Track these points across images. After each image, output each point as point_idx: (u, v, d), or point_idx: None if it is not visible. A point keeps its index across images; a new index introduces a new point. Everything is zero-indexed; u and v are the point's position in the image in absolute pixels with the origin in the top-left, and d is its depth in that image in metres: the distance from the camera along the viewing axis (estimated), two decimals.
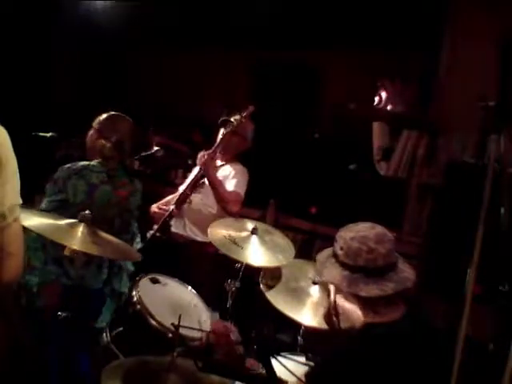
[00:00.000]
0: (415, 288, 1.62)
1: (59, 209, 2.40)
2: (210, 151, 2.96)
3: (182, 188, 3.33)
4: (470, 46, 3.66)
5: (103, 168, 2.58)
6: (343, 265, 1.61)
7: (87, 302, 2.48)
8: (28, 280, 2.36)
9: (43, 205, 2.44)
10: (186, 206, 3.07)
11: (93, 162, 2.59)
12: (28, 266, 2.19)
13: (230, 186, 3.02)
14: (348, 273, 1.59)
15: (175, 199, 3.10)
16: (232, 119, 2.96)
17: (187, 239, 3.07)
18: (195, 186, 3.04)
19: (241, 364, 1.76)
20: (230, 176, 3.05)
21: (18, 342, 1.25)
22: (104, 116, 2.70)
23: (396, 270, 1.61)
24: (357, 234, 1.61)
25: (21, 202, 1.28)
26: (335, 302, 1.76)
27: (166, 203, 3.24)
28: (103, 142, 2.61)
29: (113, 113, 2.73)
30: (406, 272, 1.64)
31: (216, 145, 2.97)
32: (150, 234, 3.05)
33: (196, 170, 3.19)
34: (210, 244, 2.75)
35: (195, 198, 3.09)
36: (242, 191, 3.08)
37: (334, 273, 1.62)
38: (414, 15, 4.00)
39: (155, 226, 3.07)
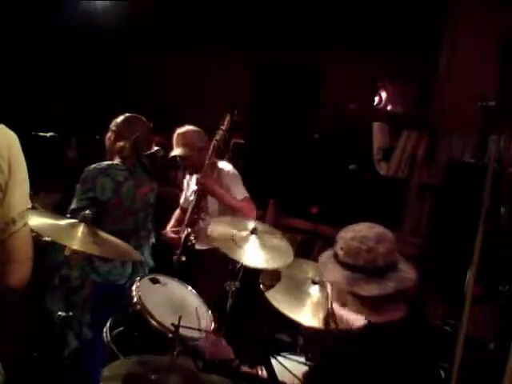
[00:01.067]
0: (416, 288, 1.62)
1: (89, 206, 2.48)
2: (203, 174, 2.92)
3: (182, 200, 3.32)
4: (470, 45, 3.66)
5: (124, 166, 2.69)
6: (344, 265, 1.61)
7: (113, 298, 2.53)
8: (68, 275, 2.46)
9: (73, 205, 2.53)
10: (200, 223, 3.06)
11: (115, 161, 2.69)
12: (69, 263, 2.25)
13: (236, 194, 3.00)
14: (349, 273, 1.59)
15: (186, 221, 3.06)
16: (216, 136, 2.94)
17: (212, 250, 3.04)
18: (199, 206, 3.03)
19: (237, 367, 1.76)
20: (225, 186, 3.01)
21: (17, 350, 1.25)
22: (121, 118, 2.80)
23: (397, 270, 1.61)
24: (357, 233, 1.62)
25: (30, 205, 1.28)
26: (332, 307, 1.77)
27: (175, 225, 3.24)
28: (122, 143, 2.71)
29: (128, 114, 2.81)
30: (407, 272, 1.64)
31: (206, 164, 2.93)
32: (175, 259, 3.02)
33: (193, 183, 3.16)
34: None
35: (205, 216, 3.07)
36: (245, 192, 3.06)
37: (334, 273, 1.63)
38: (414, 15, 4.00)
39: (177, 251, 3.05)
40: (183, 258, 2.97)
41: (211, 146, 2.91)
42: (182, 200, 3.36)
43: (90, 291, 2.59)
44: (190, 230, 2.98)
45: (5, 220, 1.20)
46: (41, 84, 5.29)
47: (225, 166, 3.12)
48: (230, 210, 2.96)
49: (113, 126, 2.78)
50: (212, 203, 3.06)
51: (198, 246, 3.04)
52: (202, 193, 2.99)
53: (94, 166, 2.62)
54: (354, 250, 1.59)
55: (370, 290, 1.55)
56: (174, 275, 2.43)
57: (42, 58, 5.40)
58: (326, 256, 1.73)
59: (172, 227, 3.25)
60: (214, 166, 3.04)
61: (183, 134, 3.09)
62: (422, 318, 1.73)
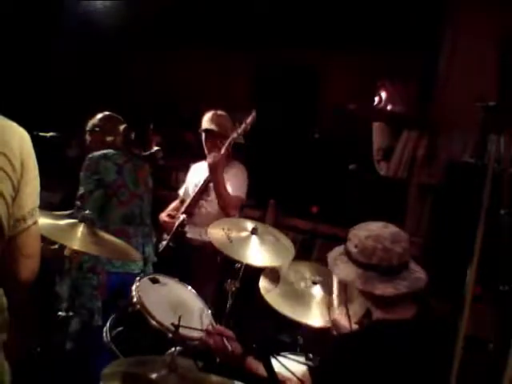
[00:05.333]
0: (426, 288, 1.62)
1: (97, 188, 2.60)
2: (222, 152, 2.95)
3: (182, 191, 3.32)
4: (470, 45, 3.66)
5: (121, 152, 2.79)
6: (357, 262, 1.60)
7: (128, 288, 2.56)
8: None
9: (81, 190, 2.61)
10: (196, 211, 3.08)
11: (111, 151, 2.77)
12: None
13: (233, 189, 3.01)
14: (362, 270, 1.58)
15: (184, 208, 3.09)
16: (238, 129, 2.98)
17: (202, 242, 3.05)
18: (203, 192, 3.06)
19: (240, 364, 1.75)
20: (231, 178, 3.04)
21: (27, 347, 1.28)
22: (99, 118, 2.95)
23: (409, 270, 1.62)
24: (371, 232, 1.61)
25: (38, 203, 1.30)
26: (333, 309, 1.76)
27: (173, 209, 3.24)
28: (111, 137, 2.85)
29: (104, 114, 2.97)
30: (418, 272, 1.64)
31: (226, 145, 2.96)
32: (162, 244, 3.06)
33: (196, 176, 3.18)
34: None
35: (204, 204, 3.09)
36: (243, 194, 3.08)
37: (347, 270, 1.61)
38: (414, 15, 4.00)
39: (166, 236, 3.07)
40: (171, 244, 2.99)
41: (231, 137, 2.96)
42: (181, 191, 3.35)
43: (103, 280, 2.62)
44: (185, 216, 3.00)
45: (16, 217, 1.22)
46: (41, 84, 5.29)
47: (240, 164, 3.18)
48: (218, 198, 2.97)
49: (94, 127, 2.93)
50: (213, 193, 3.07)
51: (189, 235, 3.05)
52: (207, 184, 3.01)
53: (93, 153, 2.72)
54: (370, 248, 1.58)
55: (384, 289, 1.55)
56: (162, 261, 2.44)
57: (42, 58, 5.39)
58: (336, 253, 1.72)
59: (168, 212, 3.25)
60: (229, 158, 3.06)
61: (220, 115, 3.16)
62: (431, 318, 1.72)
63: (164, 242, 3.06)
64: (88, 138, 2.97)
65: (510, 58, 3.35)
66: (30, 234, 1.24)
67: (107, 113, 2.98)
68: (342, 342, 1.64)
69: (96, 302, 2.60)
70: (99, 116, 2.96)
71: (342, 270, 1.64)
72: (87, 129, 2.97)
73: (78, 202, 2.57)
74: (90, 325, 2.57)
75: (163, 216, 3.21)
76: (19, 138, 1.23)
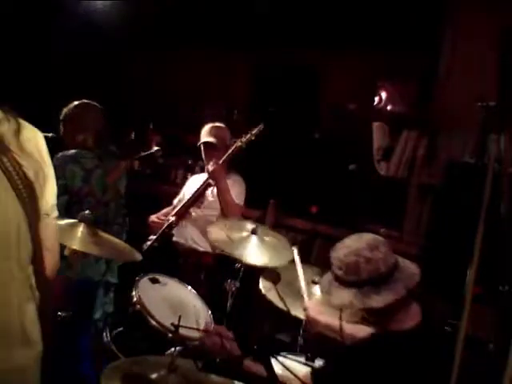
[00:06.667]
0: (421, 287, 1.61)
1: (60, 195, 2.44)
2: (221, 161, 2.97)
3: (176, 201, 3.33)
4: (470, 46, 3.66)
5: (93, 154, 2.63)
6: (348, 284, 1.57)
7: (89, 295, 2.51)
8: None
9: None
10: (187, 216, 3.08)
11: (82, 150, 2.61)
12: None
13: (233, 197, 3.02)
14: (355, 290, 1.55)
15: (176, 210, 3.09)
16: (243, 139, 2.99)
17: (188, 249, 3.07)
18: (198, 199, 3.06)
19: (239, 364, 1.74)
20: (231, 187, 3.04)
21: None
22: (72, 108, 2.69)
23: (399, 269, 1.60)
24: (348, 249, 1.59)
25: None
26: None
27: (164, 214, 3.24)
28: (82, 136, 2.63)
29: (78, 102, 2.72)
30: (409, 267, 1.63)
31: (226, 156, 2.98)
32: (147, 244, 3.05)
33: (193, 187, 3.18)
34: (209, 254, 2.93)
35: (196, 210, 3.10)
36: (241, 202, 3.11)
37: (342, 295, 1.58)
38: (414, 15, 4.00)
39: (152, 236, 3.07)
40: (155, 244, 2.99)
41: (234, 145, 2.99)
42: (176, 200, 3.35)
43: (61, 289, 2.45)
44: (174, 219, 3.00)
45: (42, 211, 1.27)
46: (41, 84, 5.29)
47: (238, 175, 3.16)
48: (222, 203, 2.96)
49: (66, 118, 2.68)
50: (207, 199, 3.08)
51: (176, 238, 3.06)
52: (207, 184, 3.01)
53: (62, 153, 2.55)
54: (353, 265, 1.56)
55: (383, 299, 1.52)
56: (144, 265, 2.40)
57: (42, 58, 5.39)
58: (326, 282, 1.69)
59: (158, 215, 3.25)
60: (228, 168, 3.08)
61: (218, 127, 3.19)
62: (432, 323, 1.71)
63: (149, 242, 3.05)
64: (61, 128, 2.72)
65: (510, 58, 3.35)
66: (50, 228, 1.29)
67: (78, 103, 2.71)
68: (349, 352, 1.63)
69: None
70: (73, 104, 2.70)
71: (337, 297, 1.61)
72: (60, 118, 2.72)
73: None
74: None
75: (153, 217, 3.21)
76: (38, 137, 1.30)
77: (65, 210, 2.47)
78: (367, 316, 1.60)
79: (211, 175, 2.97)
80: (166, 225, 3.00)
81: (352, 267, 1.56)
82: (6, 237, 1.15)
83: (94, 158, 2.61)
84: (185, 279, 2.75)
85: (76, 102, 2.71)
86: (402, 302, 1.56)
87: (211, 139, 3.09)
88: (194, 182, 3.29)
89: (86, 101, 2.74)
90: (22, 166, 1.17)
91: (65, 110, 2.72)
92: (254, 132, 2.99)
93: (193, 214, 3.09)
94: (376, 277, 1.54)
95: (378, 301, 1.52)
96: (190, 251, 3.04)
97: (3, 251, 1.16)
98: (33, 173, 1.20)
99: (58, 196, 2.40)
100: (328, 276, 1.69)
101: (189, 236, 3.10)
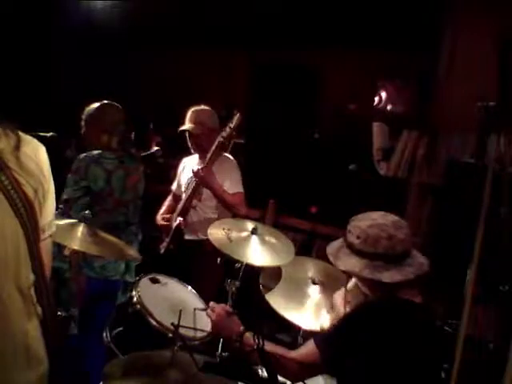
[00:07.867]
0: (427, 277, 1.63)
1: (83, 196, 2.48)
2: (204, 165, 2.90)
3: (174, 187, 3.31)
4: (470, 45, 3.66)
5: (114, 155, 2.63)
6: (361, 253, 1.59)
7: (110, 295, 2.51)
8: (59, 267, 2.39)
9: (65, 195, 2.47)
10: (191, 210, 3.06)
11: (105, 151, 2.62)
12: (60, 254, 2.21)
13: (231, 186, 2.99)
14: (367, 260, 1.58)
15: (179, 209, 3.06)
16: (224, 133, 2.90)
17: (199, 241, 3.04)
18: (195, 192, 3.02)
19: (238, 339, 1.73)
20: (226, 175, 3.00)
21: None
22: (95, 109, 2.67)
23: (412, 256, 1.63)
24: (373, 221, 1.62)
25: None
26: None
27: (167, 211, 3.24)
28: (106, 137, 2.64)
29: (100, 104, 2.69)
30: (420, 257, 1.65)
31: (208, 157, 2.90)
32: (163, 247, 3.05)
33: (188, 172, 3.12)
34: None
35: (198, 202, 3.07)
36: (241, 187, 3.04)
37: (352, 262, 1.60)
38: (414, 15, 4.00)
39: (166, 239, 3.06)
40: (171, 247, 2.98)
41: (216, 142, 2.88)
42: (174, 186, 3.32)
43: (82, 286, 2.53)
44: (181, 219, 2.99)
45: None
46: (41, 84, 5.29)
47: (230, 156, 3.11)
48: (221, 203, 2.96)
49: (90, 118, 2.67)
50: (206, 191, 3.05)
51: (187, 236, 3.05)
52: (198, 184, 2.98)
53: (84, 154, 2.56)
54: (374, 237, 1.58)
55: (392, 276, 1.55)
56: (161, 264, 2.41)
57: (42, 58, 5.40)
58: (335, 247, 1.71)
59: (163, 214, 3.24)
60: (217, 159, 3.00)
61: (196, 112, 3.09)
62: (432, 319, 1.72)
63: (165, 244, 3.06)
64: (83, 127, 2.71)
65: (510, 58, 3.35)
66: (45, 245, 1.26)
67: (100, 104, 2.69)
68: (353, 314, 1.64)
69: (73, 309, 2.51)
70: (97, 104, 2.68)
71: (347, 262, 1.63)
72: (82, 117, 2.71)
73: (62, 207, 2.44)
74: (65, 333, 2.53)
75: (159, 219, 3.20)
76: (40, 152, 1.26)
77: (85, 210, 2.43)
78: (370, 292, 1.62)
79: (200, 182, 2.92)
80: (174, 228, 2.99)
81: (372, 239, 1.58)
82: (4, 256, 1.12)
83: (115, 160, 2.61)
84: (203, 270, 2.84)
85: (101, 102, 2.69)
86: (407, 285, 1.58)
87: (189, 126, 3.01)
88: (187, 166, 3.22)
89: (110, 102, 2.72)
90: (21, 185, 1.14)
91: (88, 110, 2.70)
92: (233, 124, 2.85)
93: (196, 208, 3.07)
94: (391, 254, 1.57)
95: (386, 276, 1.55)
96: (202, 242, 3.00)
97: (1, 271, 1.13)
98: (32, 191, 1.17)
99: (81, 197, 2.45)
100: (338, 242, 1.70)
101: (198, 231, 3.06)
